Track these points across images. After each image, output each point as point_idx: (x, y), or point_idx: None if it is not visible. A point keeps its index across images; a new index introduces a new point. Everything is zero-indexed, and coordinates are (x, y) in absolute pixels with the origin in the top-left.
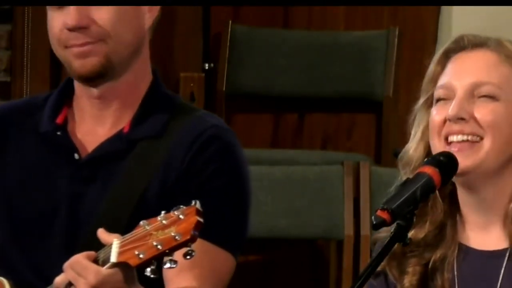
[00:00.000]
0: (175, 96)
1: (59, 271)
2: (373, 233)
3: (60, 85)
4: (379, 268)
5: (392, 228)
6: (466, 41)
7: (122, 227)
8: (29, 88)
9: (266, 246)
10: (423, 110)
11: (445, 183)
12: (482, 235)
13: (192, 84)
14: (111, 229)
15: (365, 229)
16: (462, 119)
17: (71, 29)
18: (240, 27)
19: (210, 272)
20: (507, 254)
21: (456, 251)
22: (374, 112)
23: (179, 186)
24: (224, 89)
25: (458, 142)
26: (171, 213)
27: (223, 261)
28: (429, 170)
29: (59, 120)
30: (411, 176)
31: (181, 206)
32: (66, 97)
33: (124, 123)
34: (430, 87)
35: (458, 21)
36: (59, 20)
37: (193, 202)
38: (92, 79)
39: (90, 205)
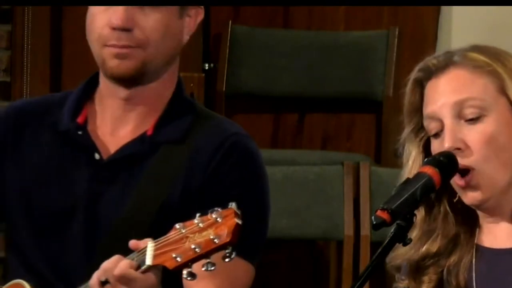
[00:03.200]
0: (195, 101)
1: (78, 270)
2: (373, 234)
3: (82, 84)
4: (404, 285)
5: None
6: (432, 66)
7: (144, 230)
8: (29, 88)
9: (266, 246)
10: (411, 138)
11: (445, 183)
12: (497, 234)
13: (192, 84)
14: (132, 232)
15: (365, 229)
16: (458, 149)
17: (115, 28)
18: (240, 27)
19: (230, 282)
20: None
21: (472, 253)
22: (374, 112)
23: (202, 193)
24: (224, 89)
25: (461, 174)
26: (208, 216)
27: (243, 271)
28: (429, 170)
29: (80, 119)
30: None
31: (218, 208)
32: (87, 97)
33: (146, 126)
34: (413, 117)
35: (458, 21)
36: (103, 18)
37: (231, 205)
38: (124, 81)
39: (110, 206)
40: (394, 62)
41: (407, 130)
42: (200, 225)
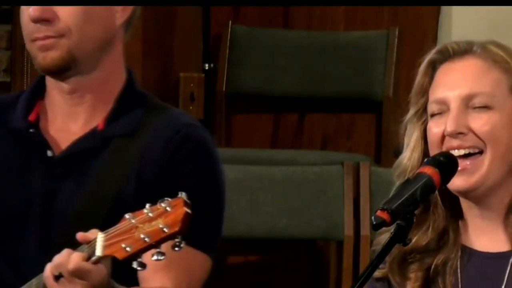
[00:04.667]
0: (149, 94)
1: (35, 267)
2: (373, 234)
3: (33, 82)
4: (380, 275)
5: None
6: (451, 50)
7: (99, 225)
8: None
9: (266, 246)
10: (414, 121)
11: (445, 183)
12: (485, 237)
13: (192, 85)
14: (87, 226)
15: (365, 230)
16: (461, 133)
17: (34, 21)
18: (240, 27)
19: (186, 274)
20: (511, 257)
21: (459, 254)
22: (374, 112)
23: (155, 185)
24: (224, 89)
25: (460, 156)
26: (158, 206)
27: (198, 262)
28: (429, 170)
29: (31, 117)
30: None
31: (167, 198)
32: (38, 94)
33: (97, 120)
34: (419, 98)
35: (458, 21)
36: (26, 13)
37: (180, 194)
38: (55, 72)
39: (64, 202)
40: (394, 62)
41: (411, 111)
42: (150, 214)
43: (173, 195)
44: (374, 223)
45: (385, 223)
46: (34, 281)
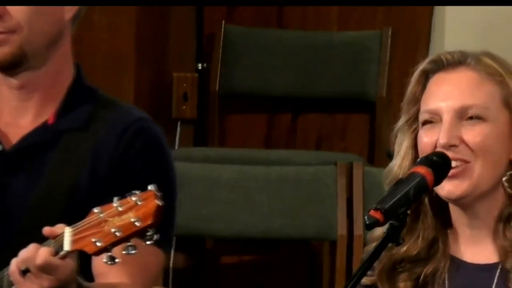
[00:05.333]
0: (97, 88)
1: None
2: (367, 233)
3: None
4: (369, 282)
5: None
6: (445, 60)
7: (54, 219)
8: None
9: (260, 246)
10: (404, 129)
11: (438, 183)
12: (474, 248)
13: (185, 84)
14: (42, 221)
15: (358, 229)
16: (454, 145)
17: None
18: (233, 27)
19: (141, 268)
20: (499, 268)
21: (447, 265)
22: (368, 113)
23: (109, 178)
24: (217, 89)
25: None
26: (128, 199)
27: (153, 257)
28: (422, 170)
29: None
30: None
31: (136, 191)
32: None
33: (46, 115)
34: (412, 107)
35: (451, 21)
36: None
37: (150, 187)
38: (5, 68)
39: (17, 197)
40: (387, 63)
41: (402, 119)
42: (120, 208)
43: (127, 189)
44: (367, 222)
45: (378, 223)
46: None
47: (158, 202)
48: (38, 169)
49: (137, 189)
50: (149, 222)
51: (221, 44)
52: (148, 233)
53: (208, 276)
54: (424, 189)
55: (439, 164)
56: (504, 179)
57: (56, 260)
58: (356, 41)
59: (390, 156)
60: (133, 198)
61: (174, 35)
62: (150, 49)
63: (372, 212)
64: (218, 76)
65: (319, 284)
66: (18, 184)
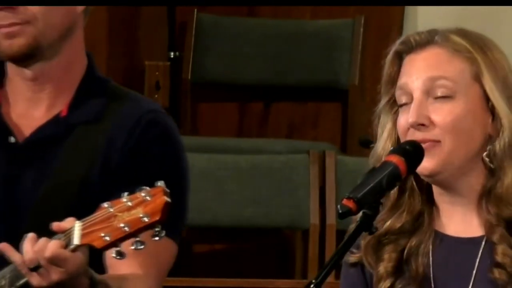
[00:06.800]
0: (108, 79)
1: (2, 256)
2: (339, 222)
3: None
4: (355, 259)
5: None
6: (413, 41)
7: (65, 211)
8: None
9: (232, 235)
10: (386, 110)
11: (411, 171)
12: (457, 223)
13: (157, 73)
14: (53, 213)
15: (330, 218)
16: (422, 124)
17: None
18: (205, 15)
19: (154, 259)
20: (484, 241)
21: (432, 238)
22: (340, 101)
23: (121, 172)
24: (189, 77)
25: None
26: (137, 194)
27: (165, 248)
28: (395, 159)
29: None
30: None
31: (145, 187)
32: None
33: (60, 106)
34: (389, 88)
35: (423, 10)
36: None
37: (158, 183)
38: (21, 59)
39: (28, 189)
40: (359, 51)
41: (383, 101)
42: (129, 203)
43: (140, 182)
44: (340, 211)
45: (351, 212)
46: (7, 270)
47: (167, 199)
48: (50, 161)
49: (150, 181)
50: (157, 218)
51: (193, 32)
52: (156, 229)
53: (180, 264)
54: (397, 178)
55: (412, 153)
56: (484, 154)
57: (65, 253)
58: (328, 29)
59: (362, 144)
60: (142, 194)
61: (146, 24)
62: (122, 38)
63: (345, 201)
64: (190, 64)
65: (292, 273)
66: (29, 176)
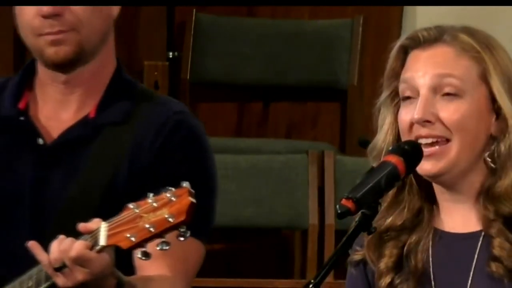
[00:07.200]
0: (137, 82)
1: (26, 257)
2: (338, 222)
3: (19, 72)
4: (359, 257)
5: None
6: (421, 37)
7: (92, 212)
8: None
9: (231, 235)
10: (387, 103)
11: (409, 171)
12: (457, 219)
13: (156, 73)
14: (80, 214)
15: (329, 218)
16: (428, 121)
17: (46, 16)
18: (204, 16)
19: (182, 261)
20: (482, 236)
21: (431, 235)
22: (339, 101)
23: (148, 173)
24: (188, 77)
25: (428, 144)
26: (162, 195)
27: (193, 249)
28: (394, 159)
29: (21, 105)
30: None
31: (171, 188)
32: (27, 81)
33: (88, 108)
34: (392, 82)
35: (422, 9)
36: (31, 8)
37: (183, 184)
38: (65, 66)
39: (56, 191)
40: (358, 51)
41: (384, 95)
42: (154, 204)
43: (167, 183)
44: (339, 211)
45: (350, 212)
46: (34, 270)
47: (192, 199)
48: (77, 163)
49: (176, 182)
50: (182, 218)
51: (192, 32)
52: (181, 230)
53: None
54: (396, 178)
55: (411, 153)
56: (486, 154)
57: (90, 253)
58: (327, 29)
59: (361, 145)
60: (167, 194)
61: (145, 24)
62: (120, 38)
63: (343, 201)
64: (189, 64)
65: (291, 273)
66: (57, 177)
